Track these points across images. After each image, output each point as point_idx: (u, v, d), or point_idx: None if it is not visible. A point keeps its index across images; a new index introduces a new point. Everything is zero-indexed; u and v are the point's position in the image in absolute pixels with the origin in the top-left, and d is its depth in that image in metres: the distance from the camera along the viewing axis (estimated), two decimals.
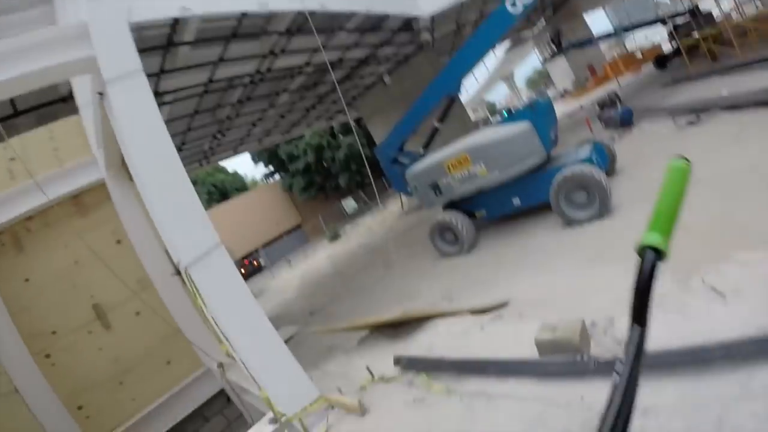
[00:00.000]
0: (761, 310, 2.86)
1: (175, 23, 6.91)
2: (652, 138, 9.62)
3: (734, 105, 8.52)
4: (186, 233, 4.28)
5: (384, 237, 16.03)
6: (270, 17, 8.55)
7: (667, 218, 0.89)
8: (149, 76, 4.95)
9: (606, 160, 7.72)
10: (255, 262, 34.14)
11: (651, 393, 2.52)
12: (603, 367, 2.81)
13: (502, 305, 5.22)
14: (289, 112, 15.99)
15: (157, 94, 8.76)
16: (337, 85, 11.12)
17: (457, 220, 8.08)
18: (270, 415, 4.49)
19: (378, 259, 12.39)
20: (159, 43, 7.30)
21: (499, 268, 6.75)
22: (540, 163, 7.35)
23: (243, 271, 30.73)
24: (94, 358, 7.49)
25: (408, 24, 13.17)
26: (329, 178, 39.19)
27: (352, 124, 11.43)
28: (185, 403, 7.86)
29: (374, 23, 11.72)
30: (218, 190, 43.66)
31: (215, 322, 4.30)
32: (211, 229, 4.38)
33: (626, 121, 11.54)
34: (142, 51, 5.03)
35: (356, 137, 11.92)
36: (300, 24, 9.12)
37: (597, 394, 2.75)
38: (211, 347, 6.87)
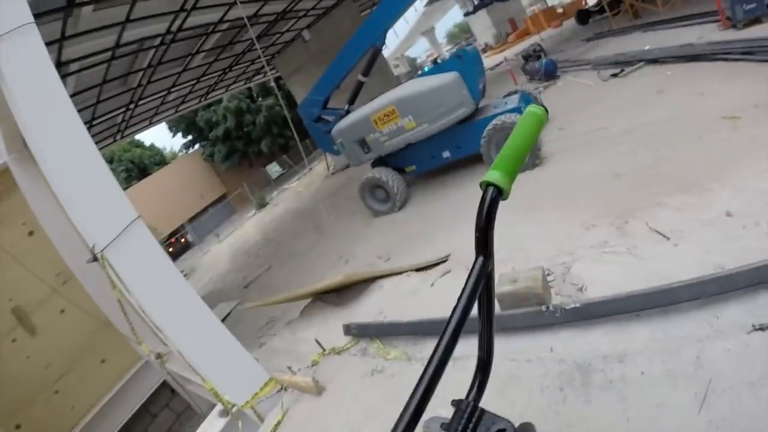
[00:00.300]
0: (711, 250, 2.90)
1: None
2: (576, 89, 9.79)
3: (657, 59, 8.81)
4: (99, 212, 3.69)
5: (313, 200, 15.61)
6: None
7: (512, 160, 0.91)
8: (50, 43, 4.21)
9: None
10: (182, 240, 32.35)
11: (623, 338, 2.47)
12: (569, 316, 2.73)
13: (444, 260, 5.10)
14: (205, 75, 14.89)
15: (61, 65, 7.70)
16: (255, 41, 10.38)
17: (387, 176, 7.91)
18: (219, 406, 4.13)
19: (309, 224, 12.03)
20: (58, 5, 6.30)
21: (434, 223, 6.64)
22: (469, 114, 7.25)
23: (171, 250, 29.22)
24: (24, 369, 6.64)
25: None
26: (251, 143, 37.60)
27: (273, 84, 10.77)
28: (128, 403, 7.23)
29: None
30: (137, 167, 40.54)
31: (141, 310, 3.81)
32: (126, 203, 3.80)
33: (550, 73, 11.70)
34: (40, 15, 4.27)
35: (278, 98, 11.31)
36: None
37: (566, 344, 2.68)
38: (145, 337, 6.30)
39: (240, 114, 35.93)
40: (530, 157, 6.39)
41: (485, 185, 0.88)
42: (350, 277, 5.27)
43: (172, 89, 13.74)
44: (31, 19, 3.68)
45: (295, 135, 7.86)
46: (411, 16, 45.03)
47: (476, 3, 24.73)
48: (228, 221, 28.89)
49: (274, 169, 37.71)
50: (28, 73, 3.63)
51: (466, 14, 28.91)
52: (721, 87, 6.27)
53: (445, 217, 6.60)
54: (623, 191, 4.62)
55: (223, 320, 5.10)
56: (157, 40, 9.71)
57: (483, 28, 36.82)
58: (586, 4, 22.74)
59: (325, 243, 9.09)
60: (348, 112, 8.52)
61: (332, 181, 16.57)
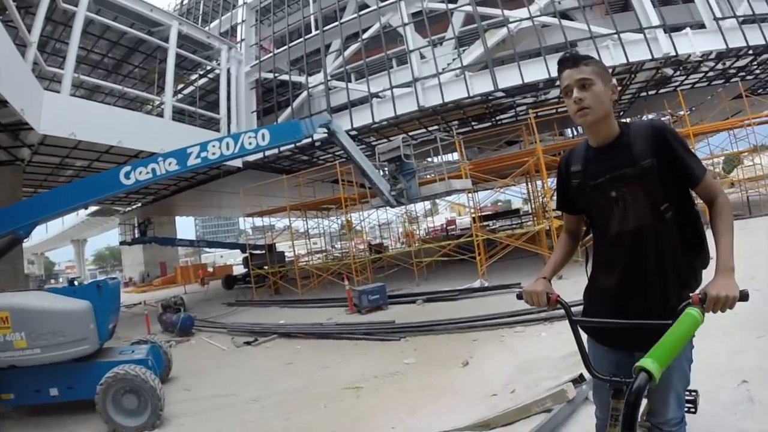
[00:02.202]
0: None
1: None
2: (208, 351, 9.73)
3: (289, 333, 9.81)
4: None
5: None
6: None
7: (666, 351, 1.08)
8: None
9: (162, 365, 7.26)
10: None
11: None
12: None
13: None
14: None
15: None
16: None
17: None
18: None
19: None
20: None
21: None
22: (90, 354, 6.22)
23: None
24: None
25: (17, 127, 11.11)
26: None
27: None
28: None
29: None
30: None
31: None
32: None
33: (186, 329, 11.44)
34: None
35: None
36: None
37: None
38: None
39: None
40: (150, 415, 5.70)
41: (638, 370, 1.03)
42: None
43: None
44: None
45: None
46: (69, 219, 40.97)
47: (136, 236, 24.17)
48: None
49: None
50: None
51: (123, 243, 27.73)
52: (345, 361, 7.21)
53: None
54: None
55: None
56: None
57: (133, 262, 35.66)
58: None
59: None
60: None
61: None
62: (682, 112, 15.82)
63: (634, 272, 1.67)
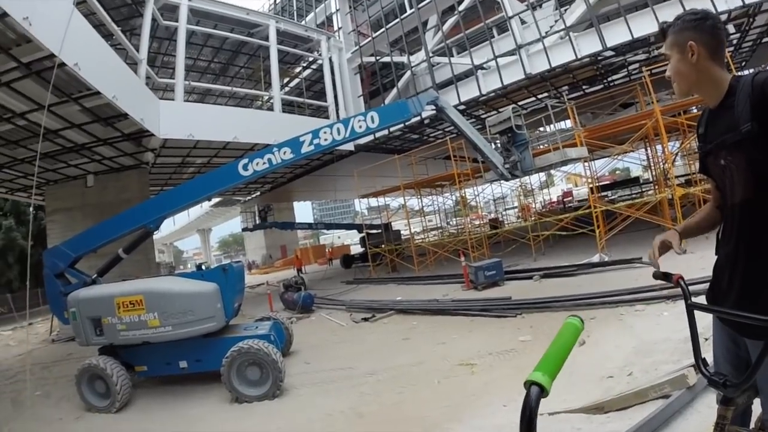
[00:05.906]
0: None
1: None
2: (327, 326, 10.23)
3: (406, 309, 10.04)
4: None
5: (20, 363, 11.74)
6: None
7: (554, 363, 1.07)
8: None
9: (283, 339, 7.81)
10: None
11: None
12: None
13: None
14: None
15: None
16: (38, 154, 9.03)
17: (113, 369, 6.53)
18: None
19: (6, 388, 8.85)
20: None
21: None
22: (218, 330, 6.90)
23: None
24: None
25: (139, 135, 12.31)
26: None
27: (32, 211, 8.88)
28: None
29: (110, 116, 10.64)
30: None
31: None
32: None
33: (306, 306, 12.17)
34: None
35: (30, 227, 9.32)
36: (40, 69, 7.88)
37: None
38: None
39: None
40: (271, 386, 6.18)
41: (529, 384, 1.01)
42: None
43: None
44: None
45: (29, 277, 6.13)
46: (194, 211, 45.78)
47: (257, 222, 26.18)
48: None
49: None
50: None
51: (245, 229, 30.29)
52: (460, 337, 7.26)
53: None
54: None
55: None
56: None
57: (256, 246, 38.69)
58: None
59: (23, 424, 6.63)
60: (94, 282, 7.40)
61: (52, 349, 12.97)
62: None
63: (741, 252, 1.48)
